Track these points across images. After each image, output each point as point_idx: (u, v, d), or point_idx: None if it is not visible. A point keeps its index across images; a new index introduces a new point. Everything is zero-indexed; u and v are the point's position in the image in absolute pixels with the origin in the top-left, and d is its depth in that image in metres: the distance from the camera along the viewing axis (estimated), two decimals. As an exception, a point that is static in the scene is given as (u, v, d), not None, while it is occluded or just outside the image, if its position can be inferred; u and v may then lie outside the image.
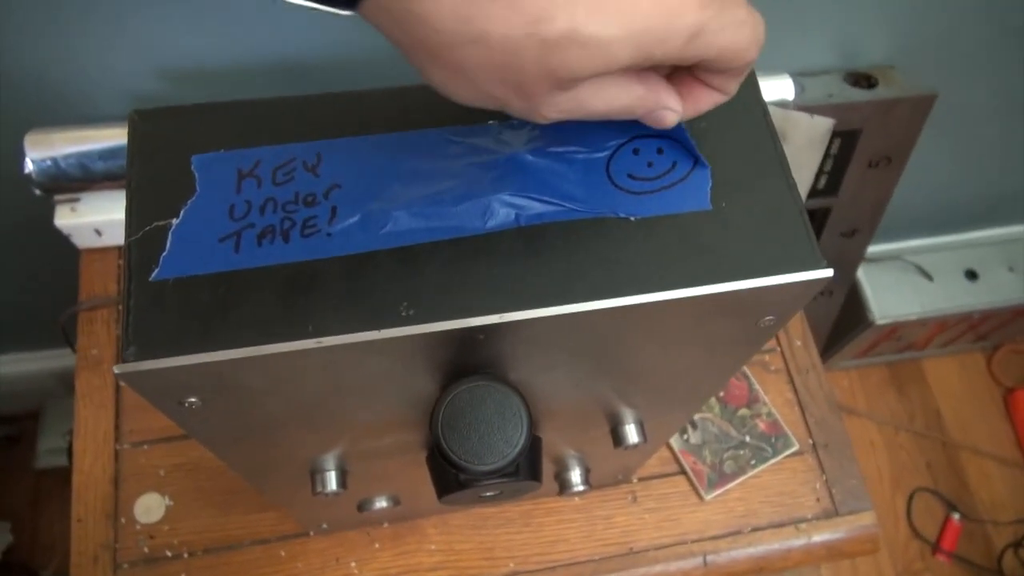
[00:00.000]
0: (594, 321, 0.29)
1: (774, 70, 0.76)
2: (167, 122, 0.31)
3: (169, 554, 0.63)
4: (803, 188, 0.69)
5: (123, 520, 0.63)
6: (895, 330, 1.27)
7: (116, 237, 0.72)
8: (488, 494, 0.42)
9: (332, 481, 0.43)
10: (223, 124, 0.31)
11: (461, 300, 0.28)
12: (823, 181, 0.91)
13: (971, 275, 1.27)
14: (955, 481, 1.42)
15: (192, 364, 0.27)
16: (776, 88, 0.74)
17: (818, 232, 0.97)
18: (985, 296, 1.25)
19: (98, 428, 0.67)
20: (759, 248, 0.29)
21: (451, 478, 0.41)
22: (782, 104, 0.70)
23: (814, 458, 0.69)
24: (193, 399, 0.29)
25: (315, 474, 0.43)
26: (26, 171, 0.64)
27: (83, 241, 0.72)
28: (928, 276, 1.26)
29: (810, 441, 0.70)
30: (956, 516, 1.38)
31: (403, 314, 0.28)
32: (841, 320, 1.27)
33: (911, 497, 1.40)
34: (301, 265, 0.29)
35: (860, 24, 0.85)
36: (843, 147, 0.87)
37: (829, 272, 0.29)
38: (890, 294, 1.24)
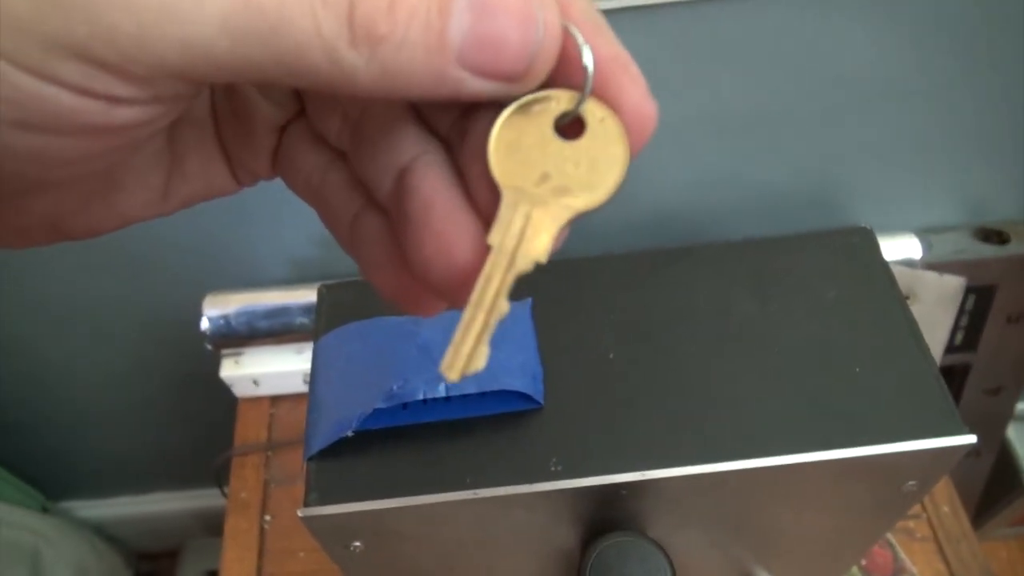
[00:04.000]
0: (731, 481, 0.30)
1: (899, 229, 0.77)
2: (349, 294, 0.36)
3: None
4: (937, 348, 0.68)
5: (259, 665, 0.65)
6: (1058, 497, 1.16)
7: (270, 388, 0.79)
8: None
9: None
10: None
11: (606, 456, 0.30)
12: (960, 337, 0.88)
13: None
14: None
15: (364, 511, 0.30)
16: (902, 247, 0.74)
17: (959, 389, 0.92)
18: None
19: (242, 570, 0.71)
20: (896, 413, 0.30)
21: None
22: (908, 263, 0.70)
23: (974, 640, 0.63)
24: (358, 543, 0.32)
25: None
26: (202, 328, 0.73)
27: (242, 391, 0.79)
28: (1091, 438, 1.15)
29: (968, 620, 0.64)
30: None
31: (552, 469, 0.30)
32: (993, 484, 1.18)
33: None
34: (459, 422, 0.32)
35: (988, 180, 0.85)
36: (978, 303, 0.85)
37: (972, 438, 0.30)
38: (1048, 457, 1.14)
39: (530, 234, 0.16)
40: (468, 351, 0.17)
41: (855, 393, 0.31)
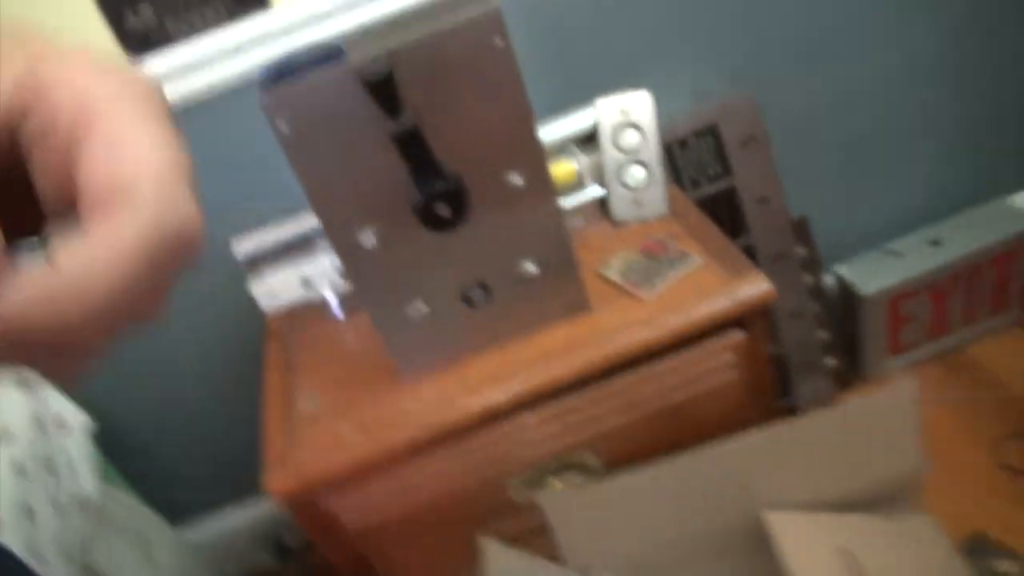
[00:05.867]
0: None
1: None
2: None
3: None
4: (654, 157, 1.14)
5: (294, 408, 1.04)
6: (894, 302, 1.50)
7: (288, 298, 1.24)
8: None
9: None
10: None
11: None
12: (719, 168, 1.33)
13: (935, 243, 1.54)
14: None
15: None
16: (637, 104, 1.23)
17: (736, 206, 1.34)
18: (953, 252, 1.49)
19: (276, 376, 1.11)
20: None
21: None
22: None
23: (718, 263, 1.03)
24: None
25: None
26: (237, 257, 1.20)
27: (266, 304, 1.24)
28: (899, 254, 1.54)
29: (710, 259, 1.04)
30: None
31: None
32: (843, 319, 1.53)
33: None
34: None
35: (709, 72, 1.35)
36: (714, 139, 1.32)
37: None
38: (869, 276, 1.51)
39: None
40: None
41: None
